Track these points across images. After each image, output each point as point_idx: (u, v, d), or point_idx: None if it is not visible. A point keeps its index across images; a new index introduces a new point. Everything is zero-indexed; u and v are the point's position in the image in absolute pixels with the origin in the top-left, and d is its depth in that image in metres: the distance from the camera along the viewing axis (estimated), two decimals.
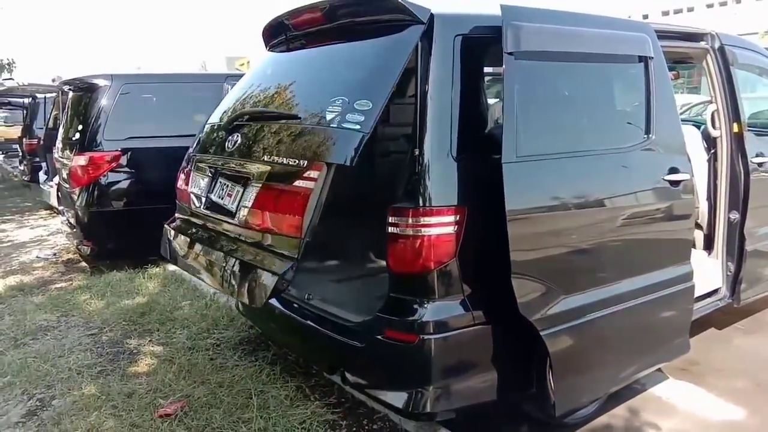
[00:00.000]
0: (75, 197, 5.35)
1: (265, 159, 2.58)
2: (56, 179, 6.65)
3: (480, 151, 2.37)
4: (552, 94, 2.58)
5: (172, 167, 3.88)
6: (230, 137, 2.88)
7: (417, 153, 2.25)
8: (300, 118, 2.59)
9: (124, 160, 5.29)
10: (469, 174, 2.29)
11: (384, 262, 2.37)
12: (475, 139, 2.42)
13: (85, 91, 5.71)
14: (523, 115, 2.30)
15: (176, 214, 3.42)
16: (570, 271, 2.47)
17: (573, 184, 2.48)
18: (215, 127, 3.19)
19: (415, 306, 2.27)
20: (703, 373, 3.35)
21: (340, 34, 2.77)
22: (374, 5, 2.55)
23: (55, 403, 3.07)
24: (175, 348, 3.63)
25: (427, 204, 2.22)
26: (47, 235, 7.46)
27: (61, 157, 5.90)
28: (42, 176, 8.52)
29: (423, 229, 2.21)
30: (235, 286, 2.61)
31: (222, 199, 2.86)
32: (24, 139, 10.21)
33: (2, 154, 15.41)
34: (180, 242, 3.17)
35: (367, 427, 2.78)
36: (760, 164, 3.50)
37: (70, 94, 6.30)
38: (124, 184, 5.34)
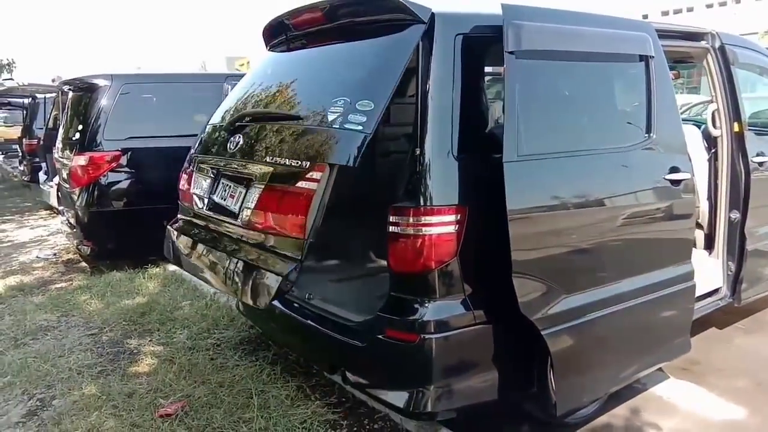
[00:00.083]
0: (75, 197, 5.35)
1: (268, 160, 2.58)
2: (56, 179, 6.65)
3: (481, 151, 2.37)
4: (553, 94, 2.58)
5: (172, 167, 3.88)
6: (232, 138, 2.88)
7: (418, 152, 2.25)
8: (302, 118, 2.59)
9: (124, 160, 5.29)
10: (469, 173, 2.28)
11: (385, 262, 2.37)
12: (476, 138, 2.43)
13: (85, 91, 5.71)
14: (524, 115, 2.30)
15: (179, 215, 3.42)
16: (571, 270, 2.47)
17: (574, 184, 2.48)
18: (217, 128, 3.19)
19: (416, 305, 2.27)
20: (704, 373, 3.34)
21: (340, 34, 2.77)
22: (375, 5, 2.55)
23: (55, 403, 3.06)
24: (175, 348, 3.62)
25: (428, 203, 2.22)
26: (47, 235, 7.46)
27: (61, 157, 5.90)
28: (42, 176, 8.52)
29: (424, 229, 2.21)
30: (239, 288, 2.61)
31: (224, 200, 2.86)
32: (24, 140, 10.22)
33: (2, 154, 15.41)
34: (183, 243, 3.17)
35: (368, 427, 2.77)
36: (760, 164, 3.50)
37: (70, 94, 6.30)
38: (124, 184, 5.34)
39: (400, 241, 2.26)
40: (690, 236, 2.98)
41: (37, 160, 9.26)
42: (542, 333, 2.30)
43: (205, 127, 3.36)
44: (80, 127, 5.45)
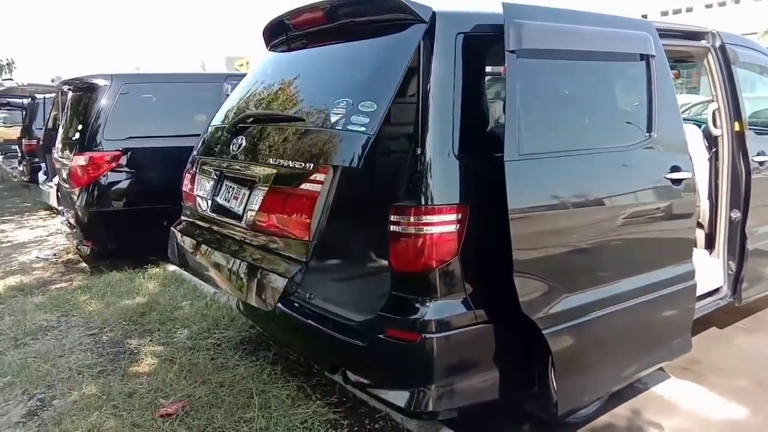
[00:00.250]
0: (75, 197, 5.34)
1: (271, 162, 2.58)
2: (56, 179, 6.64)
3: (482, 150, 2.37)
4: (554, 93, 2.58)
5: (172, 167, 3.88)
6: (235, 139, 2.87)
7: (419, 152, 2.25)
8: (304, 120, 2.59)
9: (123, 160, 5.28)
10: (471, 172, 2.28)
11: (385, 261, 2.36)
12: (477, 137, 2.43)
13: (84, 91, 5.70)
14: (525, 114, 2.30)
15: (182, 217, 3.41)
16: (572, 269, 2.47)
17: (575, 183, 2.48)
18: (219, 129, 3.18)
19: (417, 305, 2.27)
20: (705, 372, 3.34)
21: (341, 34, 2.77)
22: (375, 5, 2.54)
23: (55, 403, 3.06)
24: (175, 348, 3.62)
25: (429, 202, 2.21)
26: (47, 235, 7.45)
27: (61, 157, 5.90)
28: (41, 177, 8.51)
29: (425, 228, 2.21)
30: (245, 289, 2.61)
31: (228, 201, 2.85)
32: (23, 140, 10.21)
33: (2, 154, 15.41)
34: (187, 245, 3.17)
35: (368, 427, 2.77)
36: (761, 163, 3.50)
37: (70, 94, 6.29)
38: (124, 184, 5.34)
39: (401, 240, 2.25)
40: (691, 235, 2.98)
41: (37, 160, 9.26)
42: (543, 332, 2.30)
43: (207, 128, 3.35)
44: (80, 127, 5.44)
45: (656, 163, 2.78)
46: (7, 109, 13.64)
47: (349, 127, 2.30)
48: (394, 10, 2.41)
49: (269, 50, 3.29)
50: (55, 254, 6.34)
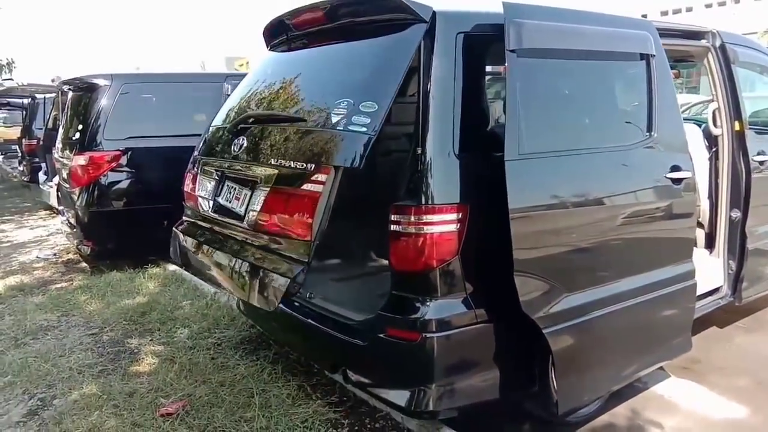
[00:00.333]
0: (75, 197, 5.34)
1: (272, 162, 2.58)
2: (56, 179, 6.64)
3: (482, 149, 2.37)
4: (554, 92, 2.58)
5: (172, 167, 3.88)
6: (236, 140, 2.87)
7: (419, 151, 2.25)
8: (305, 120, 2.59)
9: (124, 160, 5.28)
10: (471, 172, 2.28)
11: (386, 261, 2.36)
12: (478, 136, 2.43)
13: (85, 90, 5.70)
14: (526, 113, 2.30)
15: (184, 217, 3.42)
16: (572, 269, 2.47)
17: (575, 182, 2.48)
18: (220, 129, 3.18)
19: (418, 304, 2.27)
20: (705, 372, 3.34)
21: (341, 34, 2.77)
22: (376, 4, 2.54)
23: (56, 402, 3.06)
24: (176, 347, 3.62)
25: (430, 202, 2.22)
26: (47, 235, 7.45)
27: (61, 157, 5.90)
28: (41, 176, 8.51)
29: (425, 227, 2.21)
30: (247, 290, 2.61)
31: (230, 202, 2.86)
32: (23, 140, 10.21)
33: (2, 154, 15.41)
34: (189, 245, 3.17)
35: (369, 426, 2.77)
36: (761, 162, 3.50)
37: (70, 94, 6.29)
38: (124, 184, 5.33)
39: (401, 239, 2.26)
40: (691, 235, 2.98)
41: (37, 160, 9.26)
42: (543, 332, 2.30)
43: (208, 128, 3.35)
44: (80, 127, 5.45)
45: (656, 162, 2.78)
46: (8, 109, 13.65)
47: (351, 128, 2.30)
48: (394, 10, 2.41)
49: (269, 50, 3.29)
50: (55, 254, 6.34)
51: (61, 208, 6.41)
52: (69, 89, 6.31)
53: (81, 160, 5.23)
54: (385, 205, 2.30)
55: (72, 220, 5.65)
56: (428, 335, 2.24)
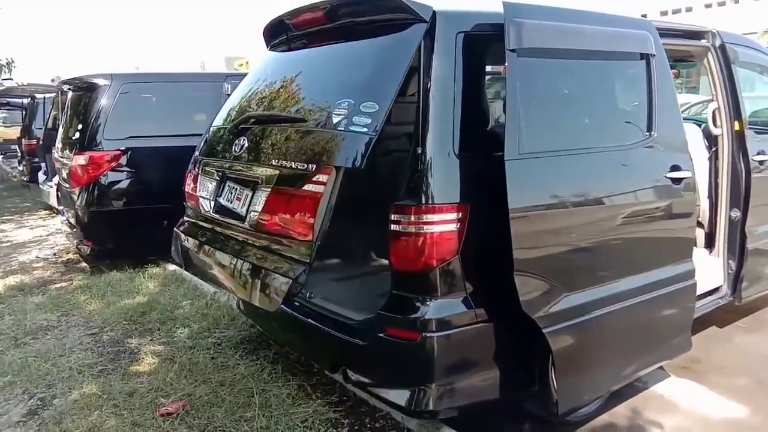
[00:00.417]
0: (75, 197, 5.34)
1: (273, 163, 2.58)
2: (55, 179, 6.64)
3: (482, 149, 2.37)
4: (554, 91, 2.58)
5: (172, 167, 3.88)
6: (237, 140, 2.87)
7: (419, 151, 2.25)
8: (306, 120, 2.59)
9: (124, 160, 5.28)
10: (471, 171, 2.28)
11: (386, 260, 2.36)
12: (478, 136, 2.43)
13: (84, 90, 5.70)
14: (526, 112, 2.30)
15: (185, 218, 3.42)
16: (572, 268, 2.47)
17: (575, 182, 2.48)
18: (221, 130, 3.18)
19: (418, 304, 2.27)
20: (705, 371, 3.35)
21: (342, 34, 2.77)
22: (376, 4, 2.54)
23: (56, 402, 3.06)
24: (176, 347, 3.62)
25: (430, 201, 2.22)
26: (47, 235, 7.45)
27: (61, 157, 5.90)
28: (41, 176, 8.51)
29: (425, 227, 2.21)
30: (249, 290, 2.62)
31: (231, 202, 2.86)
32: (23, 140, 10.20)
33: (1, 154, 15.40)
34: (191, 245, 3.17)
35: (369, 426, 2.77)
36: (761, 162, 3.50)
37: (70, 93, 6.29)
38: (124, 184, 5.33)
39: (401, 239, 2.26)
40: (691, 234, 2.98)
41: (37, 160, 9.25)
42: (543, 331, 2.30)
43: (209, 129, 3.35)
44: (80, 127, 5.44)
45: (656, 162, 2.78)
46: (7, 109, 13.62)
47: (352, 128, 2.30)
48: (394, 10, 2.41)
49: (269, 50, 3.29)
50: (55, 254, 6.34)
51: (60, 207, 6.41)
52: (69, 89, 6.31)
53: (81, 159, 5.22)
54: (385, 205, 2.30)
55: (72, 220, 5.65)
56: (428, 335, 2.24)
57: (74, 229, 5.64)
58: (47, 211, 8.84)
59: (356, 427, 2.76)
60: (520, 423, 2.89)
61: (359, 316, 2.49)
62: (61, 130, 6.22)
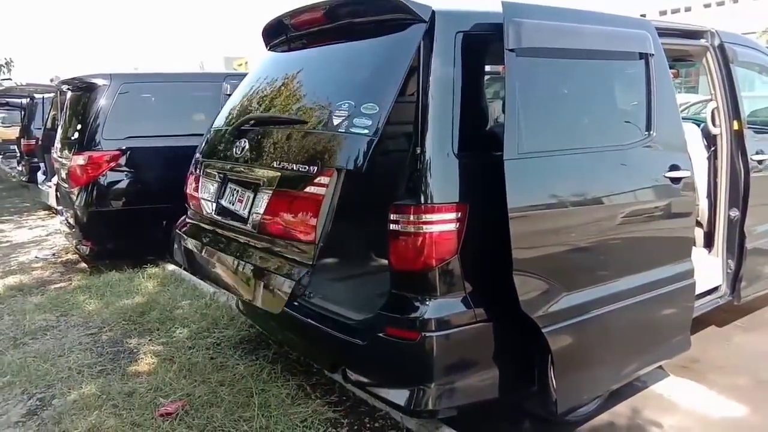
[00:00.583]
0: (74, 197, 5.33)
1: (275, 165, 2.58)
2: (54, 179, 6.64)
3: (481, 149, 2.37)
4: (553, 91, 2.58)
5: (171, 167, 3.88)
6: (237, 142, 2.88)
7: (419, 151, 2.25)
8: (306, 122, 2.59)
9: (123, 160, 5.27)
10: (470, 171, 2.28)
11: (385, 260, 2.36)
12: (477, 136, 2.43)
13: (83, 90, 5.69)
14: (525, 112, 2.30)
15: (187, 219, 3.42)
16: (571, 268, 2.47)
17: (574, 181, 2.48)
18: (222, 131, 3.18)
19: (417, 303, 2.27)
20: (704, 371, 3.35)
21: (341, 34, 2.77)
22: (375, 5, 2.54)
23: (55, 402, 3.06)
24: (175, 347, 3.62)
25: (429, 201, 2.22)
26: (46, 235, 7.45)
27: (60, 157, 5.89)
28: (40, 177, 8.50)
29: (424, 227, 2.21)
30: (252, 292, 2.62)
31: (233, 204, 2.86)
32: (22, 140, 10.19)
33: (1, 154, 15.38)
34: (193, 247, 3.17)
35: (368, 425, 2.77)
36: (759, 162, 3.51)
37: (69, 93, 6.28)
38: (123, 184, 5.32)
39: (400, 239, 2.26)
40: (690, 234, 2.98)
41: (36, 160, 9.24)
42: (543, 331, 2.30)
43: (210, 130, 3.35)
44: (79, 127, 5.44)
45: (655, 161, 2.78)
46: (6, 109, 13.61)
47: (352, 130, 2.30)
48: (393, 10, 2.41)
49: (268, 50, 3.29)
50: (54, 254, 6.34)
51: (59, 208, 6.40)
52: (68, 89, 6.30)
53: (80, 159, 5.22)
54: (385, 205, 2.30)
55: (71, 220, 5.65)
56: (427, 334, 2.23)
57: (73, 229, 5.64)
58: (46, 212, 8.83)
59: (356, 427, 2.76)
60: (519, 422, 2.89)
61: (359, 316, 2.49)
62: (60, 131, 6.21)
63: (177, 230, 3.39)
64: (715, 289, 3.53)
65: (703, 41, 3.39)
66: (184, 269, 3.46)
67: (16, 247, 6.81)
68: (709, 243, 3.65)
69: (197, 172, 3.24)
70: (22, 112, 10.69)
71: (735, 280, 3.52)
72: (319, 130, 2.49)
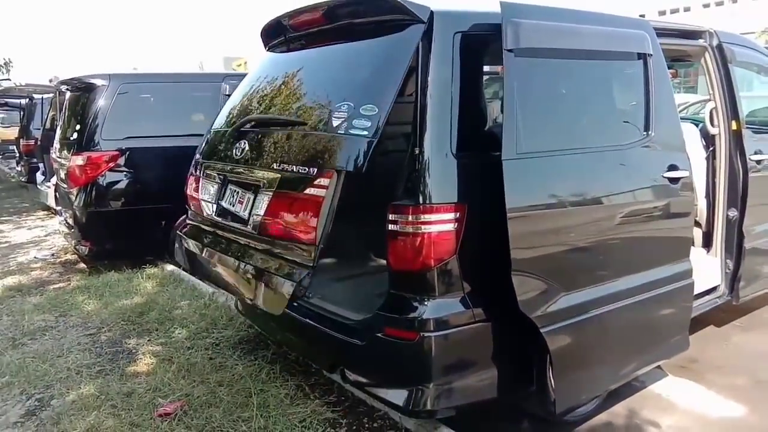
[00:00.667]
0: (73, 197, 5.33)
1: (275, 167, 2.59)
2: (53, 180, 6.63)
3: (480, 149, 2.37)
4: (552, 91, 2.58)
5: (170, 167, 3.89)
6: (237, 143, 2.88)
7: (417, 151, 2.25)
8: (306, 123, 2.59)
9: (122, 160, 5.27)
10: (468, 171, 2.28)
11: (384, 260, 2.36)
12: (475, 136, 2.43)
13: (82, 91, 5.69)
14: (523, 112, 2.30)
15: (187, 220, 3.42)
16: (570, 268, 2.47)
17: (573, 181, 2.48)
18: (221, 133, 3.18)
19: (415, 303, 2.27)
20: (702, 371, 3.35)
21: (340, 35, 2.77)
22: (374, 5, 2.54)
23: (53, 402, 3.06)
24: (174, 347, 3.62)
25: (427, 201, 2.22)
26: (45, 235, 7.45)
27: (59, 158, 5.89)
28: (39, 177, 8.49)
29: (423, 227, 2.21)
30: (253, 293, 2.62)
31: (233, 206, 2.86)
32: (21, 140, 10.18)
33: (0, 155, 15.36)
34: (193, 248, 3.17)
35: (367, 426, 2.77)
36: (758, 162, 3.51)
37: (68, 94, 6.28)
38: (122, 184, 5.32)
39: (399, 239, 2.26)
40: (688, 234, 2.99)
41: (35, 160, 9.23)
42: (541, 331, 2.30)
43: (210, 131, 3.35)
44: (78, 127, 5.43)
45: (654, 161, 2.78)
46: (5, 110, 13.59)
47: (352, 131, 2.30)
48: (392, 11, 2.41)
49: (267, 51, 3.29)
50: (53, 254, 6.34)
51: (58, 208, 6.40)
52: (67, 89, 6.30)
53: (79, 160, 5.21)
54: (383, 205, 2.30)
55: (70, 221, 5.64)
56: (426, 334, 2.23)
57: (72, 230, 5.64)
58: (45, 212, 8.83)
59: (354, 427, 2.76)
60: (518, 422, 2.89)
61: (357, 316, 2.49)
62: (59, 131, 6.21)
63: (177, 231, 3.39)
64: (714, 289, 3.54)
65: (701, 41, 3.39)
66: (185, 270, 3.46)
67: (15, 248, 6.81)
68: (707, 243, 3.65)
69: (197, 173, 3.24)
70: (21, 113, 10.68)
71: (733, 280, 3.52)
72: (318, 132, 2.50)
